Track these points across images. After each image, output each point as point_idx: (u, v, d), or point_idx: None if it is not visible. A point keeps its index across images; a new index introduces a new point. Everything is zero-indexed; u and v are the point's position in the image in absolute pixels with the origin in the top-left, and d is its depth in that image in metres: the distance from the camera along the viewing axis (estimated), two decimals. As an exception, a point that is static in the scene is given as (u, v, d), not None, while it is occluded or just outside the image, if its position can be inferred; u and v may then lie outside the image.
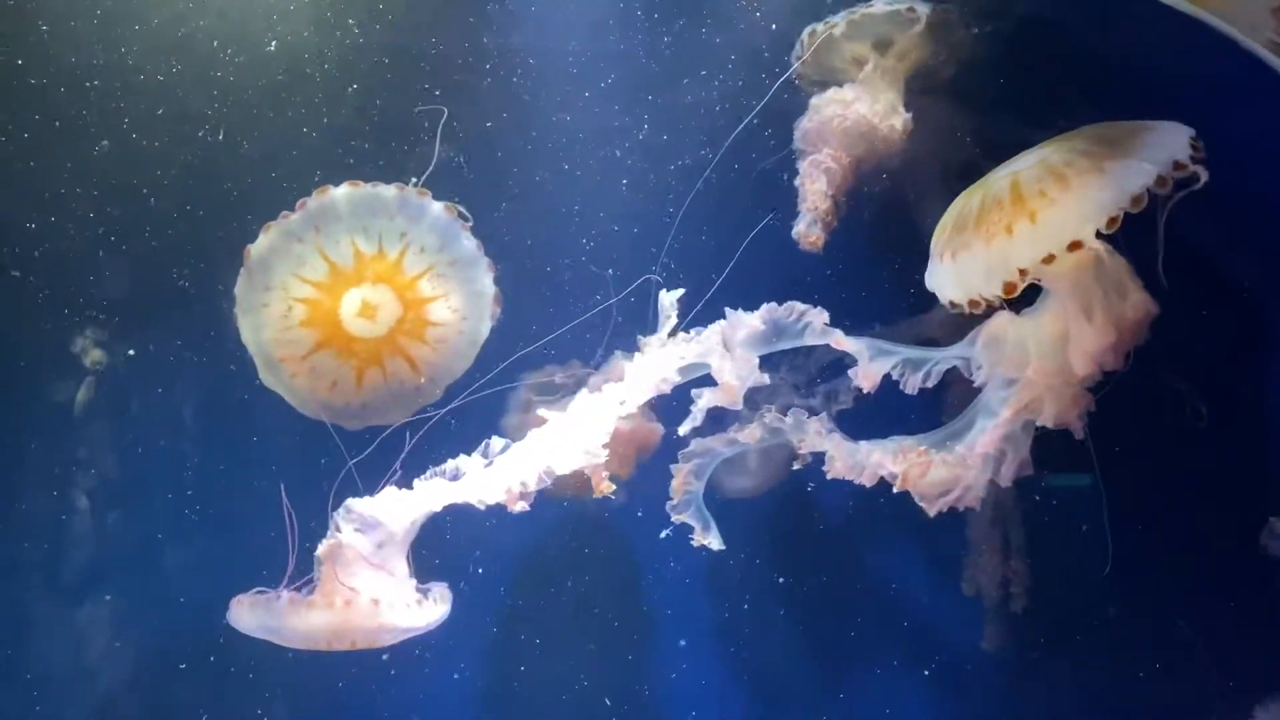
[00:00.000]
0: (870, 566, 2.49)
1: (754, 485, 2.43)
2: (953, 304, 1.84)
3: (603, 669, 2.48)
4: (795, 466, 2.12)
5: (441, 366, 2.11)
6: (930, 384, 1.92)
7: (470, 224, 2.05)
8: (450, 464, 1.92)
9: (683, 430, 1.95)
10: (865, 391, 1.93)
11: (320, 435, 2.10)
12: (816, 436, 2.03)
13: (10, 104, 2.24)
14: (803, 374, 2.26)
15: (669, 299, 1.90)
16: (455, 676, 2.45)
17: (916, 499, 1.89)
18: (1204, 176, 1.63)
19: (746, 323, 1.94)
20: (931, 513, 1.87)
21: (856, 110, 2.07)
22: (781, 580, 2.50)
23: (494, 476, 1.91)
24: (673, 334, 1.95)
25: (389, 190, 2.01)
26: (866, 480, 1.95)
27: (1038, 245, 1.66)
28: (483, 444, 1.92)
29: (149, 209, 2.26)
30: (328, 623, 1.86)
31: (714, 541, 2.19)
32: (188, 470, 2.39)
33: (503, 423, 2.24)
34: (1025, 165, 1.77)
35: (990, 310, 1.81)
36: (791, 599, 2.50)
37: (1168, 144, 1.66)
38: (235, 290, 2.04)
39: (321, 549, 1.89)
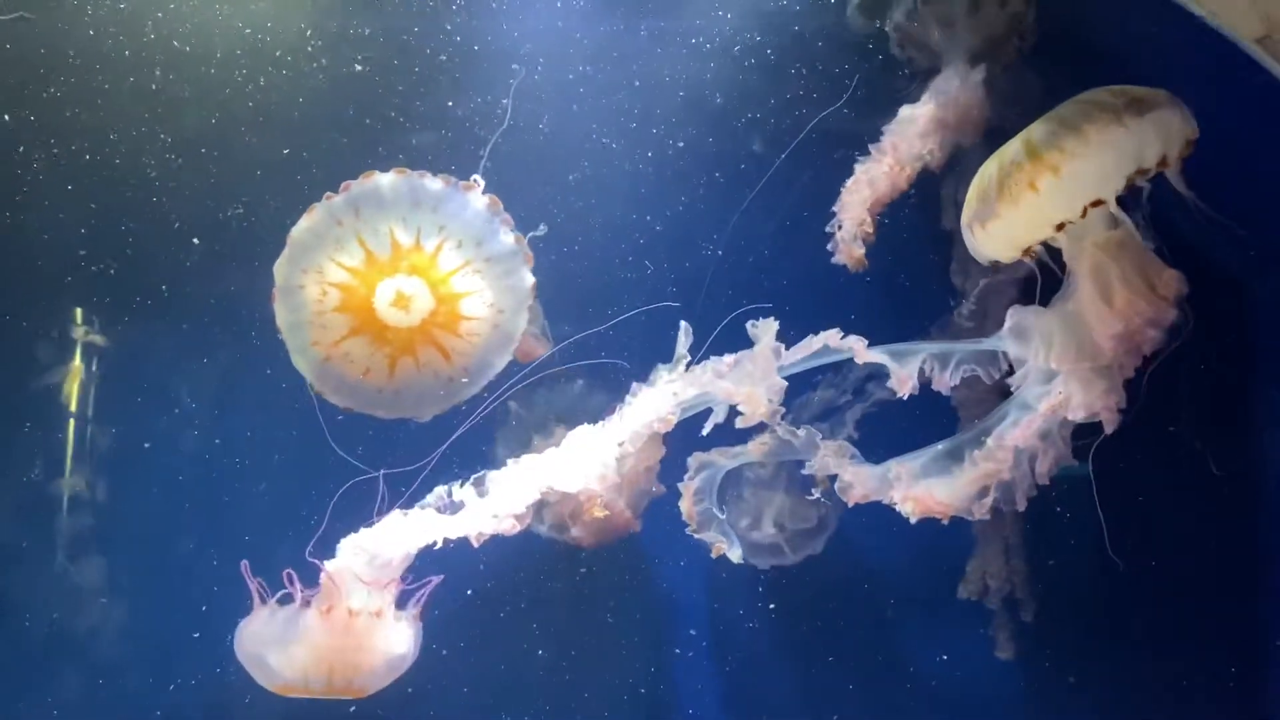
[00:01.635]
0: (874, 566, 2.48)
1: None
2: (998, 262, 1.84)
3: (609, 667, 2.50)
4: (815, 494, 2.11)
5: (476, 360, 2.11)
6: (957, 380, 1.90)
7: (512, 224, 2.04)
8: (441, 491, 1.96)
9: (705, 430, 1.96)
10: (903, 396, 1.93)
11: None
12: (829, 457, 2.03)
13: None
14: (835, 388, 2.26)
15: (685, 337, 1.93)
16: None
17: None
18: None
19: (764, 346, 1.96)
20: (976, 516, 1.87)
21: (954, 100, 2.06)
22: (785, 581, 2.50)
23: (488, 509, 1.95)
24: (687, 366, 1.96)
25: (435, 183, 2.00)
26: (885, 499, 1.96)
27: (1066, 198, 1.66)
28: (473, 477, 1.95)
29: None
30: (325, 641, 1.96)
31: (735, 554, 2.21)
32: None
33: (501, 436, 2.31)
34: (1033, 128, 1.74)
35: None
36: (794, 599, 2.50)
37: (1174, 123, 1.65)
38: (275, 270, 2.03)
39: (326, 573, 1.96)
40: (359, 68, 2.34)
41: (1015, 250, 1.78)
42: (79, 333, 2.47)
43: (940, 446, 1.98)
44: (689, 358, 1.94)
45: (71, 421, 2.45)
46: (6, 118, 2.35)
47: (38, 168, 2.37)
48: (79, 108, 2.35)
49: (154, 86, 2.34)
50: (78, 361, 2.45)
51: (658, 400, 2.00)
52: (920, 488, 1.91)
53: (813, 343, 1.95)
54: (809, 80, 2.27)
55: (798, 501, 2.35)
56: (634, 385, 2.02)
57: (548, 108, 2.29)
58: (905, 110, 2.08)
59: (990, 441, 1.86)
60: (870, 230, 2.05)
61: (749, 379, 1.96)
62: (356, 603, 2.02)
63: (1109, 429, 1.77)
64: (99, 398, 2.46)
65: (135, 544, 2.47)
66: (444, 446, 2.07)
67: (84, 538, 2.43)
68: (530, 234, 2.08)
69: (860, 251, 2.06)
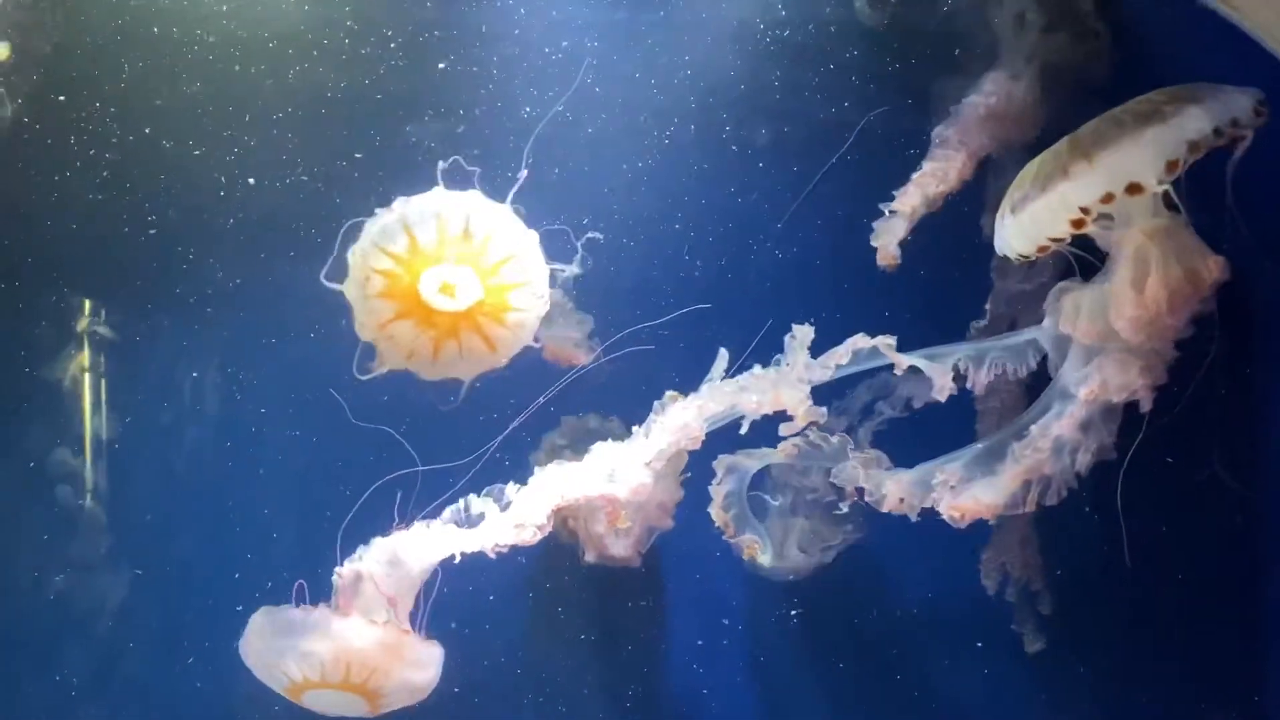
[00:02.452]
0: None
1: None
2: (1021, 256, 1.85)
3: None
4: (843, 508, 2.16)
5: (517, 347, 2.13)
6: (991, 377, 1.93)
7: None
8: (461, 504, 2.02)
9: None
10: (942, 399, 1.96)
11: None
12: (859, 466, 2.05)
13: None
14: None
15: (720, 364, 2.01)
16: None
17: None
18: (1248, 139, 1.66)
19: (799, 355, 1.99)
20: (1026, 511, 1.90)
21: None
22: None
23: (507, 520, 2.00)
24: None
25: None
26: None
27: (1096, 184, 1.67)
28: (493, 489, 2.02)
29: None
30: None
31: (767, 557, 2.23)
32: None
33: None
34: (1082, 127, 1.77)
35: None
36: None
37: (1231, 103, 1.67)
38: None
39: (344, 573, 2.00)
40: (393, 61, 2.33)
41: (1034, 244, 1.80)
42: (83, 324, 2.41)
43: (980, 446, 2.01)
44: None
45: (84, 411, 2.40)
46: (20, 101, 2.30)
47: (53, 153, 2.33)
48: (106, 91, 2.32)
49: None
50: (86, 353, 2.40)
51: (686, 416, 2.04)
52: (965, 495, 1.93)
53: (841, 350, 1.99)
54: (848, 75, 2.28)
55: (819, 524, 2.33)
56: (660, 401, 2.06)
57: (594, 105, 2.29)
58: (971, 99, 2.08)
59: (1033, 433, 1.89)
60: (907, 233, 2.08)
61: (786, 387, 2.00)
62: (378, 613, 2.02)
63: (1145, 407, 1.79)
64: (117, 389, 2.42)
65: (144, 537, 2.41)
66: (484, 451, 2.15)
67: (91, 532, 2.37)
68: (584, 237, 2.13)
69: (897, 250, 2.08)
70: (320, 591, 2.03)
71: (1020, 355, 1.94)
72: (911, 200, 2.06)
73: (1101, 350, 1.83)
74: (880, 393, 2.21)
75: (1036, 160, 1.80)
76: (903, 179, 2.11)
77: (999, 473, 1.94)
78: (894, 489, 2.02)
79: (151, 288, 2.38)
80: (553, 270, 2.11)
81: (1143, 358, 1.79)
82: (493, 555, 2.01)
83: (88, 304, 2.40)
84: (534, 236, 2.05)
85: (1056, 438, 1.86)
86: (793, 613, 2.43)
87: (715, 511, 2.17)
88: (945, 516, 1.95)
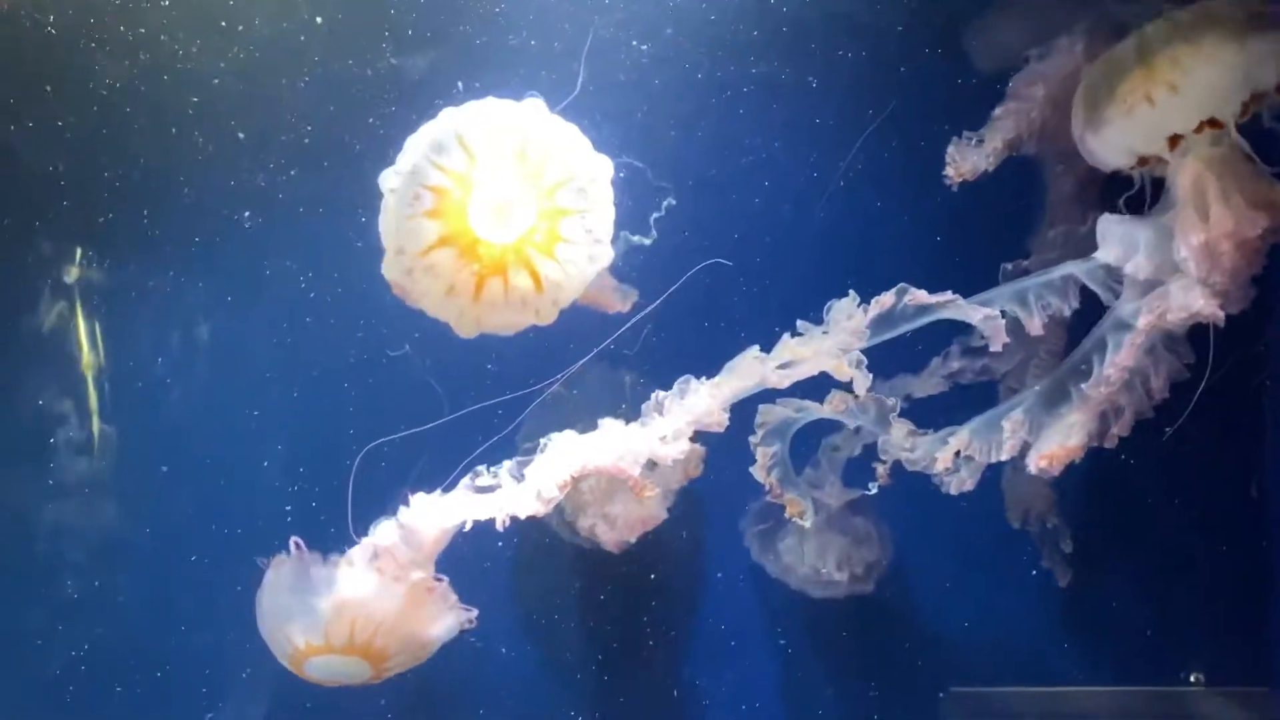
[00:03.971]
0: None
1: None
2: (1115, 172, 1.88)
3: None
4: (872, 489, 2.08)
5: (567, 290, 1.95)
6: (1045, 318, 1.90)
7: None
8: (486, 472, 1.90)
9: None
10: (997, 349, 1.92)
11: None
12: (908, 432, 2.02)
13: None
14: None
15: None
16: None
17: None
18: None
19: (850, 320, 1.96)
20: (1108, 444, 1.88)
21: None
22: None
23: (523, 489, 1.89)
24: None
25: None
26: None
27: (1177, 115, 1.71)
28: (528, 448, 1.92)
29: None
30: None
31: (809, 519, 2.12)
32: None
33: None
34: (1148, 31, 1.77)
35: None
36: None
37: None
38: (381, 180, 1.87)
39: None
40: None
41: (1130, 158, 1.85)
42: (74, 273, 2.27)
43: (1036, 389, 2.01)
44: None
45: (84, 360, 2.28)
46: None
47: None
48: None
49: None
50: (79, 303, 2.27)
51: (715, 394, 1.96)
52: (1046, 442, 1.91)
53: (879, 301, 1.96)
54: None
55: (855, 542, 2.30)
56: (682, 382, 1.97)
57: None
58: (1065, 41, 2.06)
59: (1098, 369, 1.90)
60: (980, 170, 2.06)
61: (825, 356, 1.96)
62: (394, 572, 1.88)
63: (1217, 322, 1.77)
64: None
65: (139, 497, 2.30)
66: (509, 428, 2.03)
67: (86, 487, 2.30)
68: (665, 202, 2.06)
69: (969, 168, 2.05)
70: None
71: (1062, 292, 1.92)
72: (1000, 132, 2.05)
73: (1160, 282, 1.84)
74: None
75: (1102, 69, 1.83)
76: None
77: (1067, 414, 1.93)
78: (955, 443, 1.97)
79: (146, 230, 2.29)
80: (624, 236, 2.02)
81: (1205, 286, 1.79)
82: (501, 527, 1.86)
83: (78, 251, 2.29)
84: (605, 164, 1.91)
85: (1124, 369, 1.86)
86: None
87: (759, 470, 2.04)
88: (1034, 468, 1.91)
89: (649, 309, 2.09)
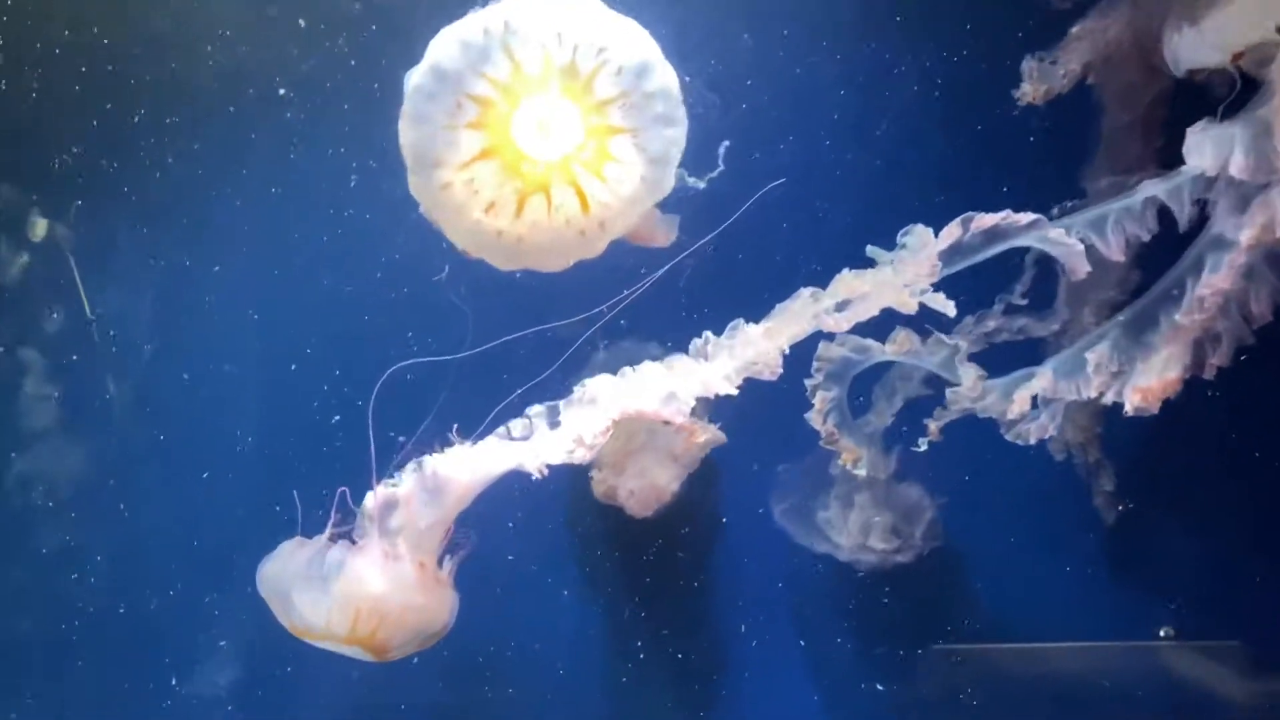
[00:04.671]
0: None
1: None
2: (1190, 76, 1.79)
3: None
4: (922, 446, 1.98)
5: (615, 212, 1.82)
6: (1123, 243, 1.79)
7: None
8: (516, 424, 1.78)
9: None
10: (1077, 276, 1.81)
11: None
12: (977, 375, 1.90)
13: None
14: None
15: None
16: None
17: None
18: None
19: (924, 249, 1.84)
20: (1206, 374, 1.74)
21: None
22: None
23: (561, 437, 1.77)
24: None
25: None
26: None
27: None
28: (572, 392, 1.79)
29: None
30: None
31: (863, 468, 1.99)
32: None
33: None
34: None
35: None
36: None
37: None
38: (408, 78, 1.73)
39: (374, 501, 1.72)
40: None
41: (1224, 53, 1.73)
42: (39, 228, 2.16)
43: (1120, 318, 1.88)
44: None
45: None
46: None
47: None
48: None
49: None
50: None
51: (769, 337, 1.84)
52: (1140, 376, 1.77)
53: (947, 236, 1.84)
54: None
55: (902, 514, 2.19)
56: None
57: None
58: None
59: (1195, 292, 1.77)
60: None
61: (892, 291, 1.83)
62: (401, 546, 1.72)
63: None
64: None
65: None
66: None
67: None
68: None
69: (1043, 91, 1.98)
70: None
71: (1140, 217, 1.81)
72: (1076, 53, 1.97)
73: (1260, 189, 1.72)
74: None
75: None
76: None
77: (1158, 344, 1.79)
78: (1037, 384, 1.84)
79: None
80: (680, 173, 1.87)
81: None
82: (537, 475, 1.74)
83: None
84: (670, 77, 1.77)
85: (1220, 291, 1.74)
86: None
87: (815, 416, 1.90)
88: (1130, 407, 1.78)
89: (702, 243, 1.94)
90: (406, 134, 1.73)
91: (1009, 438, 1.89)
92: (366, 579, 1.69)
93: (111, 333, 2.17)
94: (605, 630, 2.25)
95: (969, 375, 1.90)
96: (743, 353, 1.85)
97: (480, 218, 1.76)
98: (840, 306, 1.86)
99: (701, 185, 1.92)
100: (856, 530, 2.15)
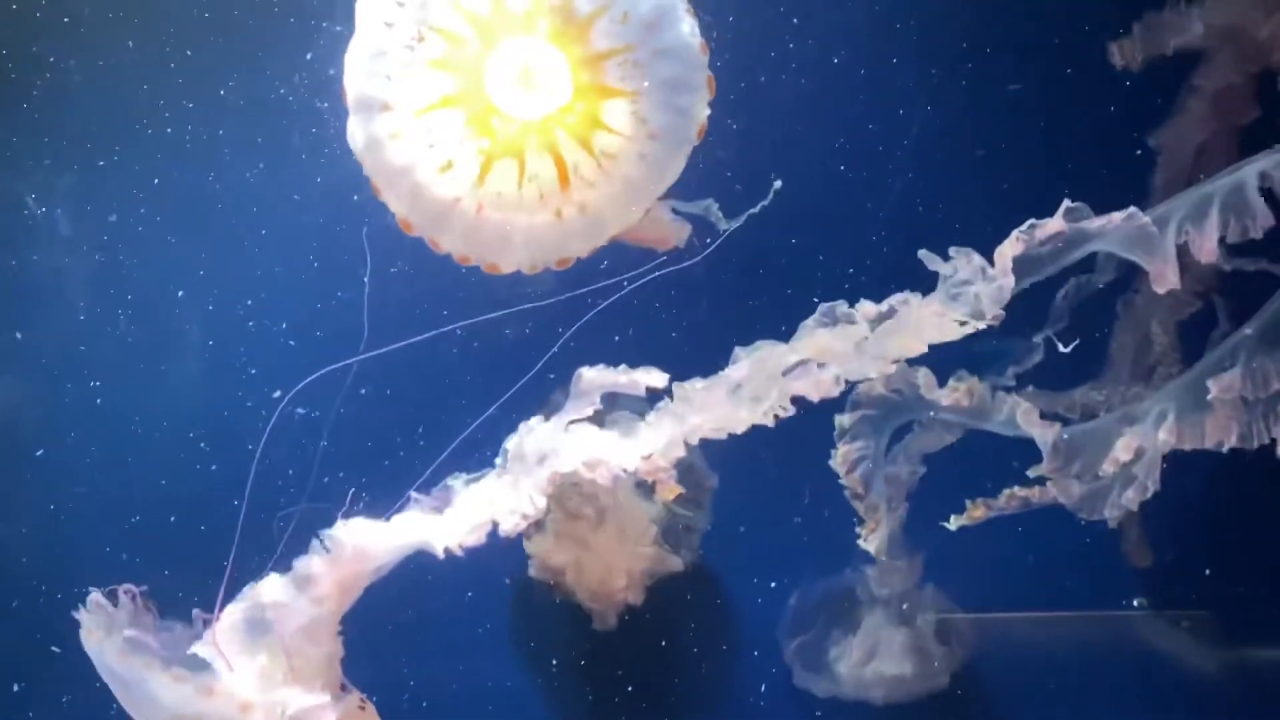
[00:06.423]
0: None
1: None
2: None
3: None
4: (952, 526, 1.73)
5: (602, 195, 1.47)
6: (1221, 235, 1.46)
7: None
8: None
9: None
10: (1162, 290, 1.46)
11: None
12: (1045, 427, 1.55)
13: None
14: None
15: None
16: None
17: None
18: None
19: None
20: None
21: None
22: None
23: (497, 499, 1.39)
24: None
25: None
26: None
27: None
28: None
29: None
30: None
31: (874, 544, 1.64)
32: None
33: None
34: None
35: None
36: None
37: None
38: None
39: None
40: None
41: None
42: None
43: (1248, 331, 1.53)
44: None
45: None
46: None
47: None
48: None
49: None
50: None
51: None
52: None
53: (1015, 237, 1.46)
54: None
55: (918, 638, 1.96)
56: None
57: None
58: None
59: None
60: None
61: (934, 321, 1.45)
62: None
63: None
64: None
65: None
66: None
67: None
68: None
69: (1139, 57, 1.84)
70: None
71: (1245, 201, 1.44)
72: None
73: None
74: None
75: None
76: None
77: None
78: (1161, 430, 1.48)
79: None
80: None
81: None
82: (460, 552, 1.35)
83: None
84: (689, 32, 1.43)
85: None
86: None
87: (840, 461, 1.53)
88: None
89: (705, 254, 1.59)
90: (352, 66, 1.39)
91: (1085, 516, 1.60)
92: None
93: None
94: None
95: (1048, 434, 1.54)
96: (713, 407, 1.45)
97: (431, 178, 1.41)
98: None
99: (731, 227, 1.62)
100: (868, 645, 1.90)
